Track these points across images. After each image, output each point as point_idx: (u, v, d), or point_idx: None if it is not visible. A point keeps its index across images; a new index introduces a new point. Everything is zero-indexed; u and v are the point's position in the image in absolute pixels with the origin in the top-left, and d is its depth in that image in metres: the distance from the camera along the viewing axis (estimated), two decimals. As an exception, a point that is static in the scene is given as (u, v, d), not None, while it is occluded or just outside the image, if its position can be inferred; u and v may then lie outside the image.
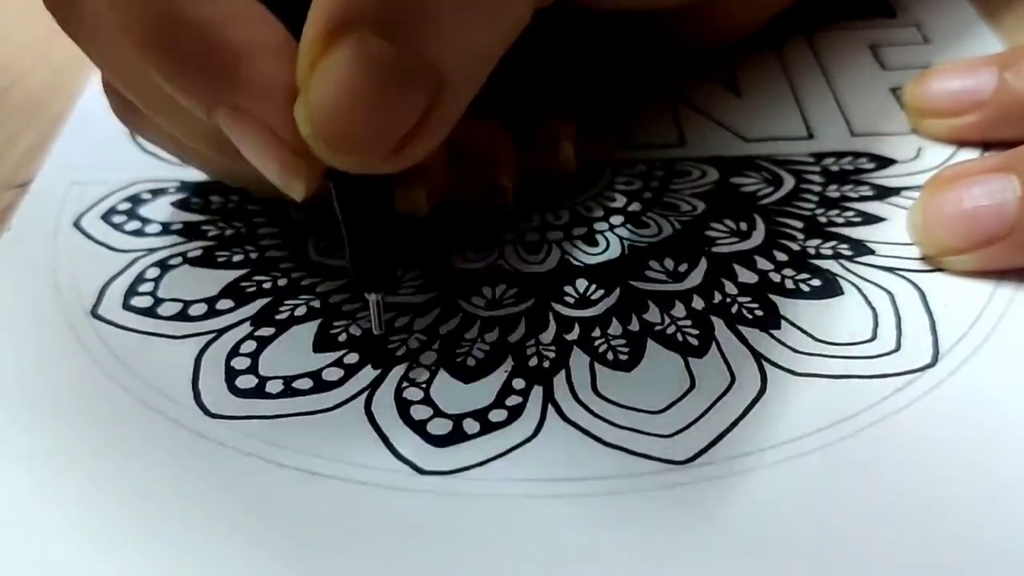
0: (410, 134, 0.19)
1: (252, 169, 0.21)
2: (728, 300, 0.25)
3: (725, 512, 0.20)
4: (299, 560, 0.20)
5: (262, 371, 0.24)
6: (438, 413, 0.22)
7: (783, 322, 0.24)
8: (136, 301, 0.26)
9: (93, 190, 0.30)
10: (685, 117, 0.31)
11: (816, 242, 0.26)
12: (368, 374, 0.23)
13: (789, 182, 0.29)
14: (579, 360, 0.23)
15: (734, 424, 0.22)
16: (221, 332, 0.25)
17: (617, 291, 0.25)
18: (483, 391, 0.23)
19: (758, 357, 0.23)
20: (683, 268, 0.26)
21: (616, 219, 0.28)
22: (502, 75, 0.21)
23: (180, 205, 0.29)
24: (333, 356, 0.24)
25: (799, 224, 0.27)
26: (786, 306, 0.25)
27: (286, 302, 0.25)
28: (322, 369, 0.24)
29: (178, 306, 0.25)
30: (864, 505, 0.20)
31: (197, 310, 0.25)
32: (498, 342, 0.24)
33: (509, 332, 0.24)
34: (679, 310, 0.25)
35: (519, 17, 0.20)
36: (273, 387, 0.23)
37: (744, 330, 0.24)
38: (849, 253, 0.26)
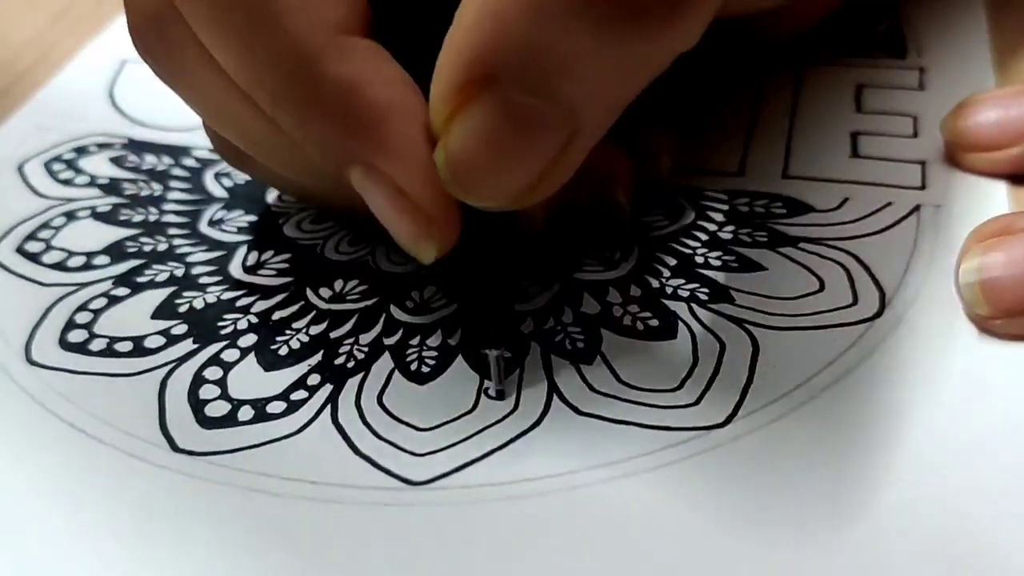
0: (543, 173, 0.20)
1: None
2: (558, 328, 0.24)
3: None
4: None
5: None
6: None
7: (598, 356, 0.24)
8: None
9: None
10: (626, 137, 0.31)
11: (678, 282, 0.25)
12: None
13: (688, 217, 0.28)
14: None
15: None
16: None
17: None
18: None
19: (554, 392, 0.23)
20: (534, 290, 0.26)
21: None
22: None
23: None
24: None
25: (673, 261, 0.26)
26: (610, 342, 0.24)
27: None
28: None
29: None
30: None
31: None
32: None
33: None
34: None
35: (662, 67, 0.20)
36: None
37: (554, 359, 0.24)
38: (705, 298, 0.25)
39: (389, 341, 0.24)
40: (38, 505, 0.21)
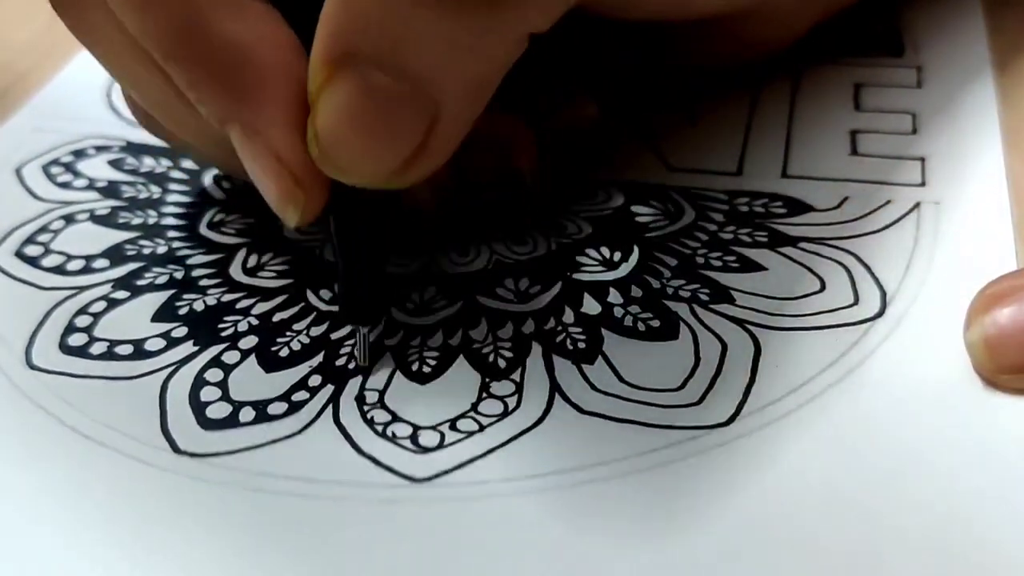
0: (414, 154, 0.20)
1: None
2: (559, 328, 0.24)
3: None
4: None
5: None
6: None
7: (599, 356, 0.24)
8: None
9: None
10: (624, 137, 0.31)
11: (679, 282, 0.25)
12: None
13: (688, 217, 0.28)
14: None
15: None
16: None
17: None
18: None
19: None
20: (535, 289, 0.25)
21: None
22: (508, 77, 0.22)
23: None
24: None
25: (673, 262, 0.26)
26: (611, 342, 0.24)
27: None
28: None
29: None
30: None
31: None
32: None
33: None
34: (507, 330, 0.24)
35: (512, 48, 0.21)
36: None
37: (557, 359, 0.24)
38: (706, 299, 0.25)
39: (390, 342, 0.24)
40: (40, 509, 0.21)
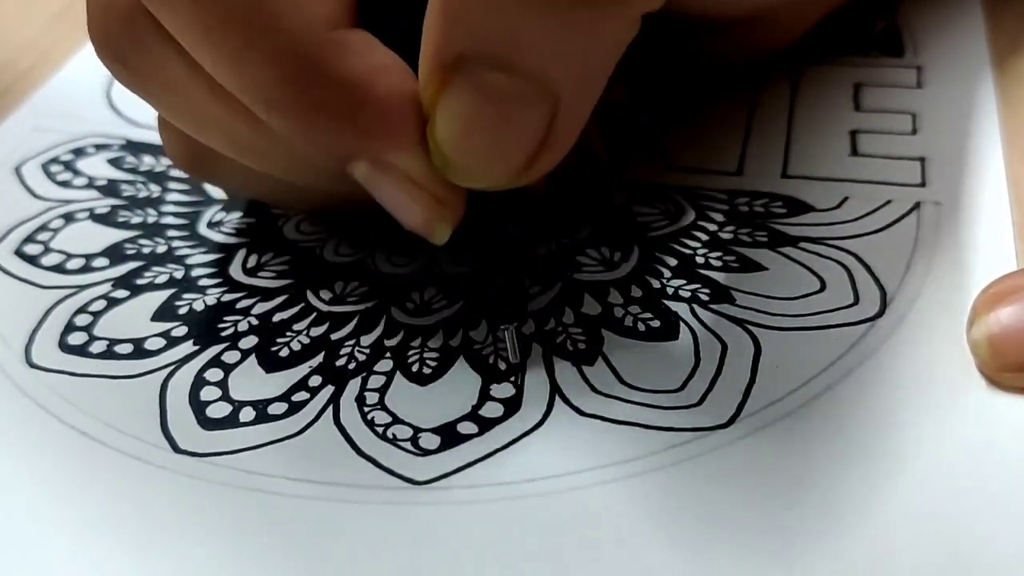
0: (537, 151, 0.20)
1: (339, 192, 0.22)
2: (559, 329, 0.24)
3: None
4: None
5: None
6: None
7: (599, 357, 0.24)
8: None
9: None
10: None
11: (679, 282, 0.25)
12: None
13: (688, 217, 0.28)
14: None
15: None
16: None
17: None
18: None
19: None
20: (535, 289, 0.25)
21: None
22: None
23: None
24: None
25: (673, 262, 0.26)
26: (611, 343, 0.24)
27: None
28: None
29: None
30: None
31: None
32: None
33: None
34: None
35: (625, 29, 0.20)
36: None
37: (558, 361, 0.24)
38: (706, 298, 0.25)
39: (390, 343, 0.24)
40: (40, 508, 0.21)
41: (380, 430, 0.22)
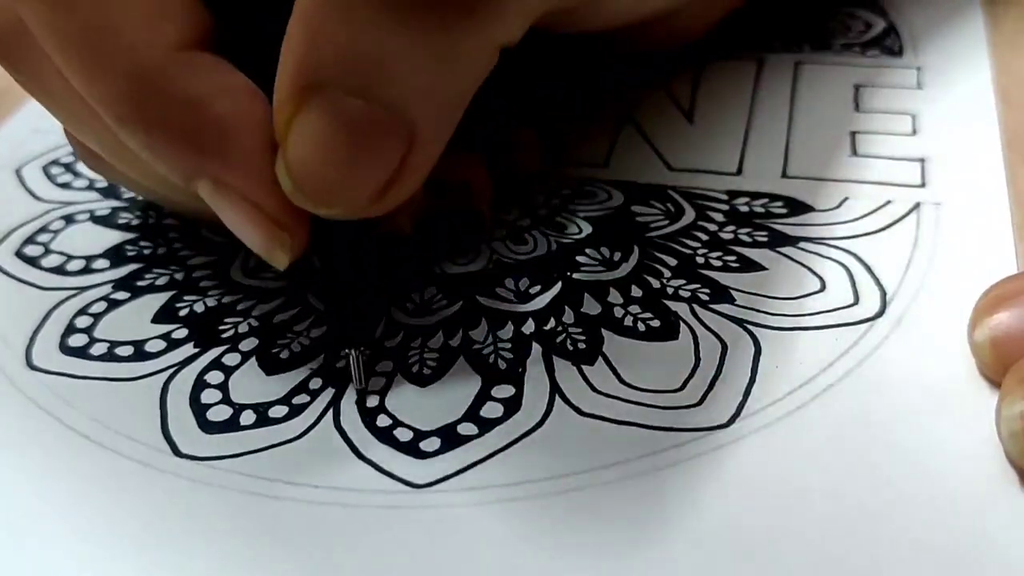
0: (390, 181, 0.20)
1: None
2: (559, 329, 0.24)
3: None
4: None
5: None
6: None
7: (599, 357, 0.24)
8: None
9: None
10: (625, 138, 0.31)
11: (679, 282, 0.25)
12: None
13: (688, 217, 0.28)
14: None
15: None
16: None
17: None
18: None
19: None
20: (535, 289, 0.26)
21: (500, 231, 0.27)
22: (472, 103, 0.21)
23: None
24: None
25: (673, 262, 0.26)
26: (611, 343, 0.24)
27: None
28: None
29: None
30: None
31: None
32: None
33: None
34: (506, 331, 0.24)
35: (484, 61, 0.20)
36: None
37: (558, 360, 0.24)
38: (706, 298, 0.25)
39: (390, 344, 0.24)
40: (39, 510, 0.21)
41: (380, 433, 0.22)
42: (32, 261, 0.27)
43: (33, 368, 0.24)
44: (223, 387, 0.23)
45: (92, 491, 0.21)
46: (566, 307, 0.25)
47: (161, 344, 0.25)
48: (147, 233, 0.28)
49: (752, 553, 0.19)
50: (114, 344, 0.25)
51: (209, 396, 0.23)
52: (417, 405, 0.23)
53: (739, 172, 0.29)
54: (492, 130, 0.29)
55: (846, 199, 0.28)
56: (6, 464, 0.22)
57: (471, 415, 0.22)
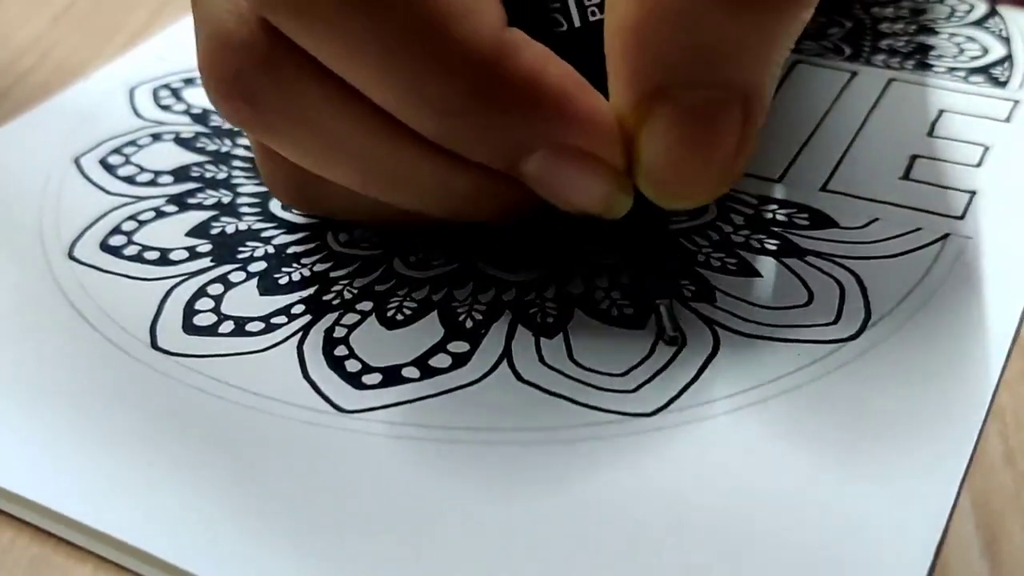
0: (736, 155, 0.21)
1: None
2: (536, 300, 0.25)
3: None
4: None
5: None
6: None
7: (560, 333, 0.24)
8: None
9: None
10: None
11: (673, 278, 0.26)
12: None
13: (709, 216, 0.28)
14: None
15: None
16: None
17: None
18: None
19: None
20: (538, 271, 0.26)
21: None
22: None
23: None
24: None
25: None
26: (579, 322, 0.24)
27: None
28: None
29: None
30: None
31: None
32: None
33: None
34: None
35: (801, 25, 0.21)
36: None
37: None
38: (688, 295, 0.25)
39: (380, 288, 0.26)
40: (29, 372, 0.24)
41: (332, 360, 0.24)
42: (110, 168, 0.30)
43: (71, 258, 0.27)
44: (218, 298, 0.26)
45: (72, 365, 0.24)
46: (552, 284, 0.26)
47: (184, 255, 0.27)
48: (215, 158, 0.31)
49: (624, 536, 0.20)
50: (145, 248, 0.27)
51: (202, 304, 0.25)
52: (377, 345, 0.24)
53: (780, 179, 0.29)
54: None
55: (876, 220, 0.27)
56: (18, 335, 0.25)
57: (419, 361, 0.24)
